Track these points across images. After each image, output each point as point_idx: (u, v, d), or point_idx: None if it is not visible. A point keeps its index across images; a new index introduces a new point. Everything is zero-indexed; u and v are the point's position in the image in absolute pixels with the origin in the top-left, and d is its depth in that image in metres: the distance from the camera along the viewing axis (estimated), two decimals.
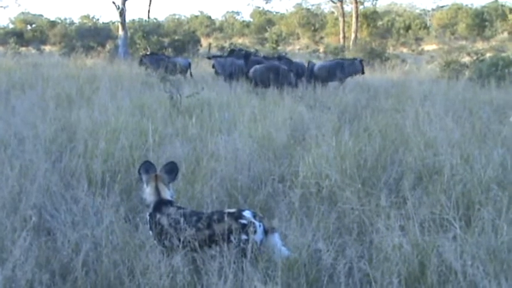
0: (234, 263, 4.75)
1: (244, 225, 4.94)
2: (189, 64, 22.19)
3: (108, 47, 38.80)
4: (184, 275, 4.74)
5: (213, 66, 20.60)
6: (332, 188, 7.02)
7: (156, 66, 20.99)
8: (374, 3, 60.54)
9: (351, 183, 6.97)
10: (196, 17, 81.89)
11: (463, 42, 46.44)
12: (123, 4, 35.83)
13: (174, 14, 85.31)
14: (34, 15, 69.20)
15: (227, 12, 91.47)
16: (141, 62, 22.92)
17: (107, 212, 5.86)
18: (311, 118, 10.85)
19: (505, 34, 56.80)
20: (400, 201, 6.53)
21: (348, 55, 31.47)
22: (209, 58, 21.27)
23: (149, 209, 5.41)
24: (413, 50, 50.15)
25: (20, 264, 4.73)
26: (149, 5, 58.62)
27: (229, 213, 5.10)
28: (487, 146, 8.35)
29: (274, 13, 77.11)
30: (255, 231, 4.93)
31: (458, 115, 10.91)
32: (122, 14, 35.71)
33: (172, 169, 5.67)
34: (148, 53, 24.90)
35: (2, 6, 52.69)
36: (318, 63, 20.29)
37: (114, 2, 35.79)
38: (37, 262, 5.07)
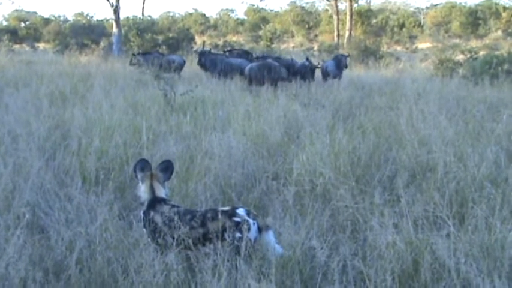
0: (228, 260, 4.76)
1: (238, 223, 4.95)
2: (184, 62, 22.13)
3: (102, 44, 38.68)
4: (178, 272, 4.75)
5: (199, 62, 20.39)
6: (326, 186, 7.03)
7: (149, 64, 20.78)
8: (368, 1, 60.72)
9: (345, 181, 6.98)
10: (191, 14, 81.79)
11: (457, 41, 46.61)
12: (117, 1, 35.79)
13: (169, 12, 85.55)
14: (28, 12, 69.15)
15: (221, 9, 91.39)
16: (131, 62, 22.29)
17: (100, 209, 5.85)
18: (305, 116, 10.85)
19: (499, 32, 56.95)
20: (394, 199, 6.55)
21: (343, 53, 31.51)
22: (198, 53, 21.01)
23: (143, 207, 5.41)
24: (407, 48, 50.22)
25: (13, 262, 4.73)
26: (143, 3, 58.69)
27: (223, 211, 5.10)
28: (481, 144, 8.36)
29: (269, 11, 77.18)
30: (249, 229, 4.93)
31: (452, 113, 10.92)
32: (116, 11, 35.67)
33: (167, 167, 5.67)
34: (140, 51, 24.30)
35: None
36: (328, 61, 20.33)
37: (108, 0, 35.74)
38: (30, 260, 5.06)
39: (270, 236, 5.10)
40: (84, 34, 42.02)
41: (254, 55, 22.53)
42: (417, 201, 6.30)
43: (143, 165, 5.64)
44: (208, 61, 19.85)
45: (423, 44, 51.41)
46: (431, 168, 7.49)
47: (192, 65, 23.67)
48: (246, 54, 22.42)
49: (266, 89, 15.24)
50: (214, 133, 9.25)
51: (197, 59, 20.55)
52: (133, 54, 23.30)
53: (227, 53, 22.58)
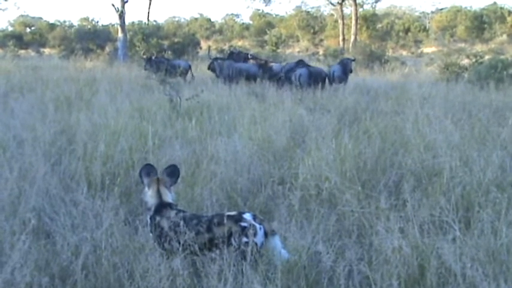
0: (234, 265, 4.75)
1: (244, 228, 4.94)
2: (190, 67, 22.18)
3: (107, 49, 38.84)
4: (184, 277, 4.74)
5: (209, 68, 20.61)
6: (332, 191, 7.02)
7: (157, 69, 20.82)
8: (373, 6, 60.65)
9: (351, 186, 6.97)
10: (196, 19, 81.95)
11: (462, 45, 46.41)
12: (123, 6, 35.84)
13: (174, 17, 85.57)
14: (33, 17, 69.36)
15: (227, 14, 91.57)
16: (146, 67, 22.21)
17: (106, 214, 5.85)
18: (311, 120, 10.84)
19: (504, 36, 56.91)
20: (400, 203, 6.53)
21: (349, 57, 31.52)
22: (213, 59, 21.15)
23: (150, 212, 5.41)
24: (412, 53, 50.12)
25: (19, 268, 4.72)
26: (149, 8, 58.55)
27: (229, 216, 5.09)
28: (486, 148, 8.35)
29: (274, 16, 77.20)
30: (256, 234, 4.93)
31: (457, 117, 10.90)
32: (122, 16, 35.72)
33: (173, 172, 5.67)
34: (153, 57, 23.95)
35: (1, 9, 52.77)
36: (334, 66, 20.32)
37: (113, 5, 35.81)
38: (36, 265, 5.07)
39: (276, 241, 5.09)
40: (90, 39, 42.08)
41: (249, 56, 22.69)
42: (423, 206, 6.29)
43: (149, 170, 5.65)
44: (217, 66, 20.01)
45: (428, 49, 51.33)
46: (437, 172, 7.48)
47: (197, 70, 23.70)
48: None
49: (272, 93, 15.26)
50: (220, 138, 9.25)
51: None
52: (149, 58, 23.04)
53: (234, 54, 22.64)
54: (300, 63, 19.25)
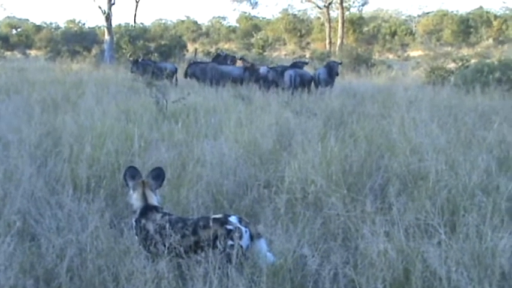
0: (219, 268, 4.74)
1: (230, 231, 4.93)
2: (176, 69, 22.15)
3: (94, 51, 38.73)
4: (169, 280, 4.73)
5: (186, 74, 20.50)
6: (317, 194, 7.01)
7: (143, 71, 20.79)
8: (360, 9, 60.89)
9: (337, 189, 6.97)
10: (183, 22, 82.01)
11: (449, 49, 46.69)
12: (109, 9, 35.78)
13: (161, 19, 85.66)
14: (20, 19, 69.24)
15: (213, 17, 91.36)
16: (132, 69, 22.03)
17: (91, 217, 5.83)
18: (297, 124, 10.85)
19: (490, 40, 57.31)
20: (385, 207, 6.54)
21: (335, 60, 31.55)
22: (189, 64, 21.18)
23: (135, 215, 5.39)
24: (399, 56, 50.39)
25: (3, 270, 4.70)
26: (135, 10, 58.44)
27: (215, 218, 5.08)
28: (472, 152, 8.38)
29: (261, 18, 77.35)
30: (241, 237, 4.92)
31: (443, 121, 10.93)
32: (108, 18, 35.65)
33: (158, 175, 5.66)
34: (140, 59, 23.76)
35: None
36: (320, 69, 20.31)
37: (100, 7, 35.75)
38: (21, 268, 5.04)
39: (261, 244, 5.08)
40: (76, 41, 42.03)
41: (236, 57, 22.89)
42: (408, 210, 6.30)
43: (133, 172, 5.63)
44: (198, 70, 19.97)
45: (415, 52, 51.57)
46: (423, 176, 7.49)
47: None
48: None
49: (258, 96, 15.27)
50: (206, 140, 9.25)
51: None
52: (136, 60, 22.92)
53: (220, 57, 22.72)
54: (295, 65, 19.34)
